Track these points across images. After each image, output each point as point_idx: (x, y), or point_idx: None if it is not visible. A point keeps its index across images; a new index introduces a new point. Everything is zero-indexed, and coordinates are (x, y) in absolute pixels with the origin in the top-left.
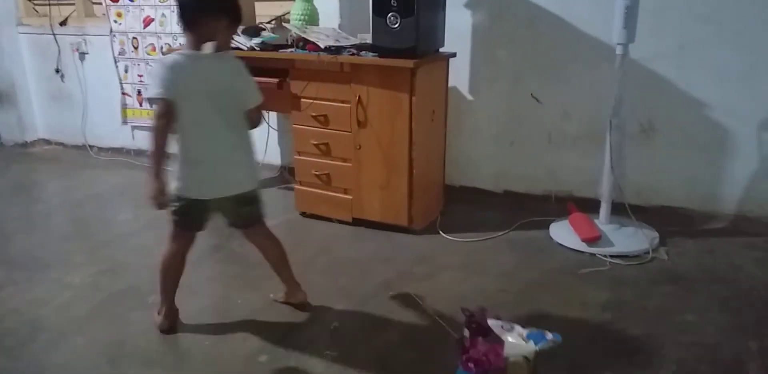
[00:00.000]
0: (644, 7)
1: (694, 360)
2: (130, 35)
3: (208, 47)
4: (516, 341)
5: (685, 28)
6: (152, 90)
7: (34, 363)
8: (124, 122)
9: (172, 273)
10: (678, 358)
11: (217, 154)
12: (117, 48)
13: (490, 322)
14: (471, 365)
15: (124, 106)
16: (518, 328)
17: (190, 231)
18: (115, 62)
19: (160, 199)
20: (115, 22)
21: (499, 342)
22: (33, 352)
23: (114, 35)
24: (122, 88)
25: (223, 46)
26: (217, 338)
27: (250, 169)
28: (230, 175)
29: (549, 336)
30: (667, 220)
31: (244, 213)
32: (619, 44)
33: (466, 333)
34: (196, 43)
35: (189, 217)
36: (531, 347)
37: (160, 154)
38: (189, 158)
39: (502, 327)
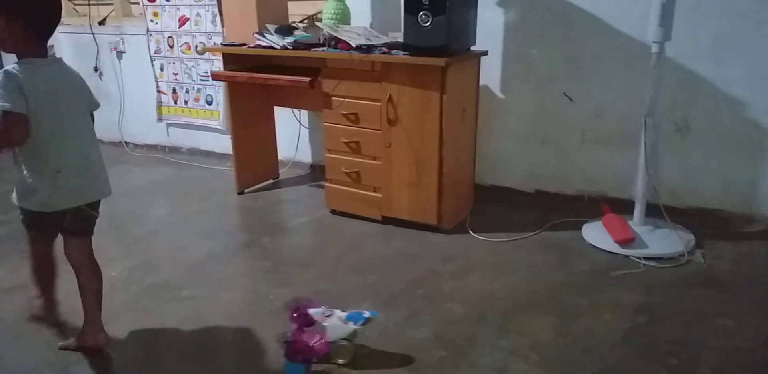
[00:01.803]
0: (680, 4)
1: (730, 366)
2: (166, 34)
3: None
4: (337, 324)
5: (723, 24)
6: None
7: (72, 354)
8: (159, 119)
9: (41, 273)
10: (714, 363)
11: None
12: (153, 47)
13: (312, 311)
14: (297, 356)
15: (159, 104)
16: (338, 312)
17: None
18: (151, 61)
19: None
20: (152, 21)
21: (321, 329)
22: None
23: (150, 34)
24: (158, 86)
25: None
26: (248, 332)
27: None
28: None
29: (366, 314)
30: (703, 222)
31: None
32: (654, 42)
33: (292, 326)
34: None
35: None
36: (350, 327)
37: None
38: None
39: (323, 314)
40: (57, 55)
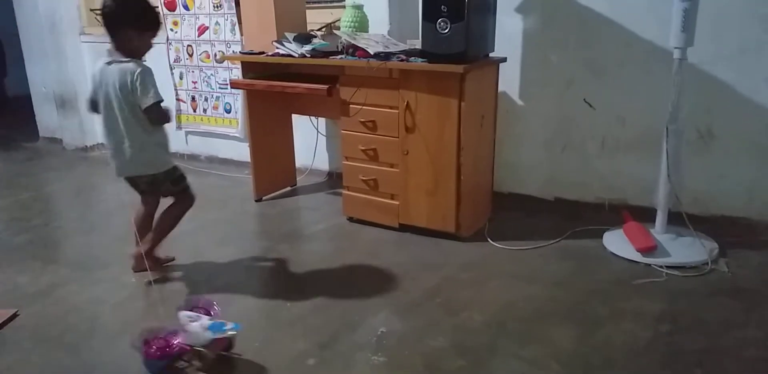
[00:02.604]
0: (703, 9)
1: None
2: (185, 43)
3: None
4: (197, 331)
5: (747, 30)
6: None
7: (92, 360)
8: (179, 127)
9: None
10: None
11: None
12: (173, 55)
13: (182, 314)
14: (155, 352)
15: (178, 112)
16: (204, 320)
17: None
18: (171, 69)
19: None
20: (172, 30)
21: (183, 332)
22: (91, 349)
23: (170, 43)
24: (177, 95)
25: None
26: (266, 339)
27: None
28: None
29: (229, 326)
30: (726, 230)
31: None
32: (676, 48)
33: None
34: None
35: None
36: (208, 336)
37: None
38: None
39: (190, 318)
40: (88, 64)
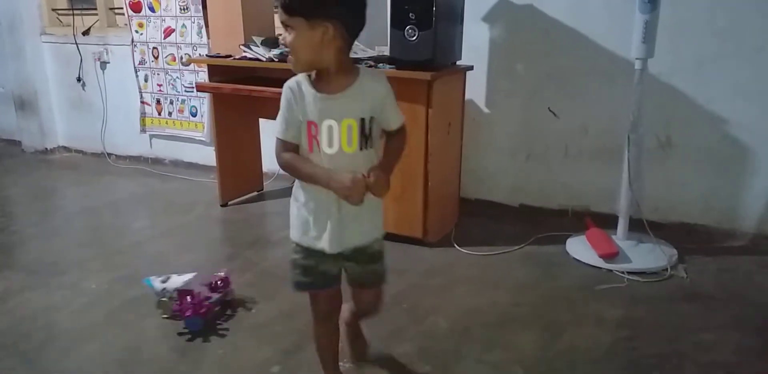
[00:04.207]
0: (663, 22)
1: None
2: (151, 45)
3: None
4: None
5: (704, 43)
6: None
7: (48, 369)
8: (143, 131)
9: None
10: None
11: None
12: (138, 57)
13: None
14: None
15: (143, 115)
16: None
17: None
18: (136, 71)
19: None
20: (137, 32)
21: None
22: (47, 357)
23: (135, 45)
24: (141, 97)
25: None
26: (230, 347)
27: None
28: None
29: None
30: (685, 237)
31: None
32: (637, 59)
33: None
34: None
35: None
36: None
37: None
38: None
39: (161, 279)
40: (48, 65)
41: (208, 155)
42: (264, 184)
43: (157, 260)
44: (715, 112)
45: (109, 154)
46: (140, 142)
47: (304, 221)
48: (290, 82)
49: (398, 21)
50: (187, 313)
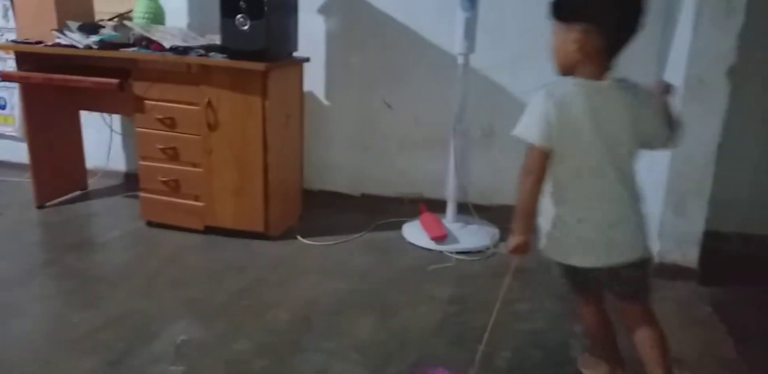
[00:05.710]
0: (483, 21)
1: (527, 346)
2: None
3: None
4: None
5: (520, 40)
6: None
7: None
8: None
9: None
10: (514, 345)
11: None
12: None
13: None
14: None
15: None
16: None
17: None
18: None
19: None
20: None
21: None
22: None
23: None
24: None
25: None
26: (45, 361)
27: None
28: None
29: None
30: (506, 218)
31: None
32: (460, 54)
33: None
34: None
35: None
36: None
37: None
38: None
39: None
40: None
41: (21, 152)
42: (88, 182)
43: None
44: (527, 103)
45: None
46: None
47: None
48: None
49: (228, 9)
50: None
